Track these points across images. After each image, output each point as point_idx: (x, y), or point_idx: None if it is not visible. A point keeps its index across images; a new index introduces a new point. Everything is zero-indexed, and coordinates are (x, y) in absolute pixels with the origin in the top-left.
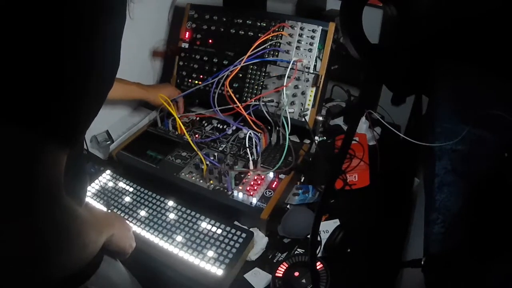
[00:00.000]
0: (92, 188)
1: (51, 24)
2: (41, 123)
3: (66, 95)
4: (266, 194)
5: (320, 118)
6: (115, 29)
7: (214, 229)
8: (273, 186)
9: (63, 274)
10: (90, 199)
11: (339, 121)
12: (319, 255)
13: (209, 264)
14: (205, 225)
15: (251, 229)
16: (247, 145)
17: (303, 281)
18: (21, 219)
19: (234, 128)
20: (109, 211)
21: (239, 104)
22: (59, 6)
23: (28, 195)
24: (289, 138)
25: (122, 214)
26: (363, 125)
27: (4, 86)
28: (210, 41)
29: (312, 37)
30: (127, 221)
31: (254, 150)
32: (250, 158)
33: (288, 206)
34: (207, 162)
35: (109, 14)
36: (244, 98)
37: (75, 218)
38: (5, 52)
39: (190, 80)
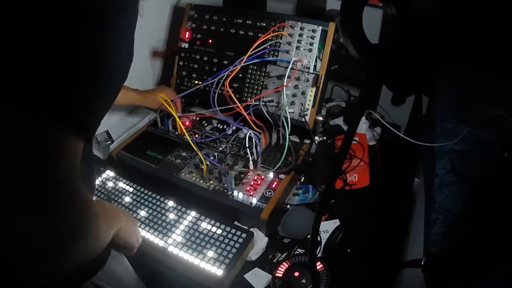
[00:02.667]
0: None
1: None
2: (61, 112)
3: (82, 85)
4: (266, 194)
5: (320, 118)
6: (126, 25)
7: (214, 229)
8: (273, 186)
9: (75, 267)
10: None
11: (339, 121)
12: (319, 255)
13: (209, 264)
14: (205, 225)
15: (251, 229)
16: (247, 145)
17: (303, 281)
18: (41, 208)
19: (234, 128)
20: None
21: (239, 104)
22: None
23: (48, 184)
24: (289, 138)
25: None
26: (363, 125)
27: (24, 78)
28: (210, 41)
29: (312, 37)
30: (133, 216)
31: (254, 150)
32: (250, 158)
33: (288, 206)
34: (207, 162)
35: (118, 10)
36: (244, 98)
37: (90, 207)
38: (17, 46)
39: (190, 80)
